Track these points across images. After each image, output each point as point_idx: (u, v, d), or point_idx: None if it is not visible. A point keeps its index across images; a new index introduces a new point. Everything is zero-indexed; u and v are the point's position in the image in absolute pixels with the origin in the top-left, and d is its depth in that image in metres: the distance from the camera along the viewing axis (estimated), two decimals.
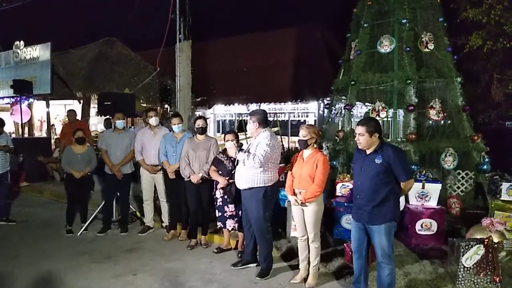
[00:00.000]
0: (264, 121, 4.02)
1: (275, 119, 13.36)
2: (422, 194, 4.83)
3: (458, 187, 6.07)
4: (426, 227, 4.71)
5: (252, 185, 3.93)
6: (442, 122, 6.38)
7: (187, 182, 4.87)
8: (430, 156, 6.10)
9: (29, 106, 12.26)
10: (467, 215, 5.46)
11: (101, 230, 5.52)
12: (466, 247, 3.68)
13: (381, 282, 3.32)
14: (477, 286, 3.67)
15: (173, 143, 5.14)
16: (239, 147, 4.01)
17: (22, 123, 10.53)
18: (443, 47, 6.48)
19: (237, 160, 4.07)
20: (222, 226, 4.78)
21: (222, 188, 4.61)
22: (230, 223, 4.69)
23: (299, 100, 14.18)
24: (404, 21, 6.31)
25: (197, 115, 7.79)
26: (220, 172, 4.63)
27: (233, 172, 4.37)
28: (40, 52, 11.71)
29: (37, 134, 13.52)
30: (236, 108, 16.01)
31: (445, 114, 6.22)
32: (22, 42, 12.28)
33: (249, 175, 3.92)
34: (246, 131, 4.13)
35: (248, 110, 14.15)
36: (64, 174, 5.93)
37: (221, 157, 4.65)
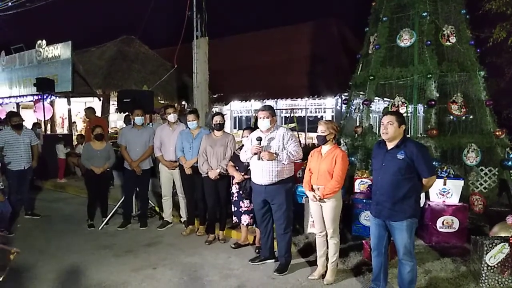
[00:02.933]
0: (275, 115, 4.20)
1: (292, 115, 13.31)
2: (444, 191, 4.72)
3: (481, 184, 5.91)
4: (447, 224, 4.61)
5: (282, 177, 3.97)
6: (464, 117, 6.21)
7: (205, 178, 4.91)
8: (452, 152, 5.95)
9: (51, 103, 12.58)
10: (491, 213, 5.33)
11: (121, 225, 5.63)
12: (490, 246, 3.58)
13: (402, 279, 3.27)
14: (501, 285, 3.57)
15: (190, 139, 5.18)
16: (259, 140, 3.99)
17: (44, 120, 10.81)
18: (465, 40, 6.30)
19: (256, 157, 4.02)
20: (238, 221, 4.83)
21: (238, 183, 4.63)
22: (245, 218, 4.72)
23: (316, 96, 14.06)
24: (424, 14, 6.15)
25: (214, 112, 7.83)
26: (237, 168, 4.65)
27: (249, 168, 4.37)
28: (61, 50, 11.97)
29: (59, 130, 13.88)
30: (253, 104, 16.02)
31: (467, 109, 6.06)
32: (44, 41, 12.58)
33: (279, 169, 3.95)
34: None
35: None
36: (85, 170, 6.06)
37: (239, 152, 4.67)
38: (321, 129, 3.76)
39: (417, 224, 3.26)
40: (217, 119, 4.94)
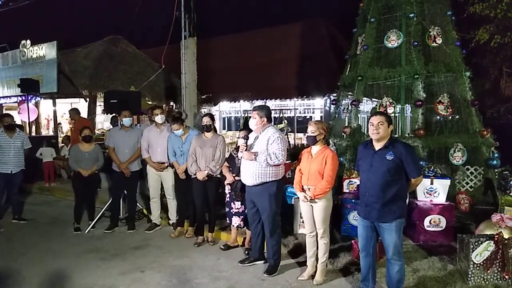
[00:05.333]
0: (270, 117, 4.09)
1: (281, 115, 13.32)
2: (431, 190, 4.77)
3: (467, 183, 6.00)
4: (434, 223, 4.67)
5: (264, 180, 3.92)
6: (451, 117, 6.30)
7: (193, 179, 4.87)
8: (439, 151, 6.03)
9: (36, 104, 12.35)
10: (477, 211, 5.41)
11: (108, 228, 5.54)
12: (476, 244, 3.63)
13: (391, 278, 3.29)
14: (487, 282, 3.62)
15: (179, 144, 5.14)
16: (246, 140, 4.00)
17: (29, 122, 10.60)
18: (451, 41, 6.39)
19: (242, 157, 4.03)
20: (229, 222, 4.80)
21: (230, 185, 4.61)
22: (235, 220, 4.70)
23: (305, 96, 14.10)
24: (411, 15, 6.23)
25: (203, 113, 7.78)
26: (230, 169, 4.63)
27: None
28: (46, 51, 11.77)
29: (44, 132, 13.63)
30: (242, 105, 15.98)
31: (453, 109, 6.15)
32: (28, 41, 12.34)
33: (261, 171, 3.91)
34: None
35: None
36: (72, 172, 5.95)
37: (234, 153, 4.65)
38: (311, 129, 3.76)
39: (404, 223, 3.29)
40: (204, 121, 4.90)
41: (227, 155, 4.97)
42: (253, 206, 4.12)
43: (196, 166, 4.83)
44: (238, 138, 4.69)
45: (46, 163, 8.66)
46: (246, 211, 4.44)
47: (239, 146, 4.50)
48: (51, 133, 13.23)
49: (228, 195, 4.73)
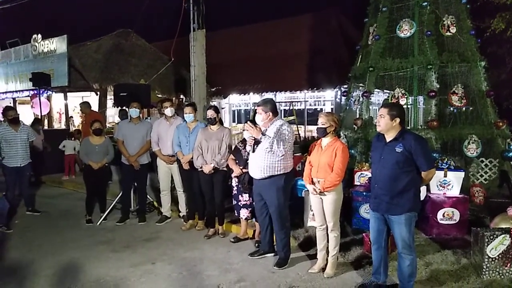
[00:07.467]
0: (275, 110, 4.04)
1: (291, 107, 13.24)
2: (444, 183, 4.68)
3: (482, 175, 5.88)
4: (448, 216, 4.59)
5: (272, 173, 3.88)
6: (465, 108, 6.15)
7: (201, 172, 4.87)
8: (453, 143, 5.91)
9: (48, 98, 12.49)
10: (491, 204, 5.30)
11: (119, 220, 5.60)
12: (491, 237, 3.55)
13: (402, 272, 3.24)
14: (502, 277, 3.55)
15: (186, 134, 5.12)
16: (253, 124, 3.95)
17: (41, 115, 10.73)
18: (466, 30, 6.21)
19: (252, 150, 3.98)
20: (237, 214, 4.80)
21: (237, 177, 4.59)
22: (243, 212, 4.70)
23: (315, 88, 13.97)
24: (424, 3, 6.06)
25: (210, 105, 7.76)
26: (236, 161, 4.60)
27: (248, 161, 4.33)
28: (57, 45, 11.86)
29: (56, 126, 13.80)
30: (252, 97, 15.93)
31: (468, 100, 6.00)
32: (39, 36, 12.46)
33: (269, 163, 3.86)
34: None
35: None
36: (83, 165, 6.01)
37: (240, 146, 4.62)
38: (322, 121, 3.70)
39: (416, 218, 3.22)
40: (209, 114, 4.86)
41: (232, 148, 4.94)
42: (260, 199, 4.09)
43: (202, 160, 4.81)
44: (243, 130, 4.65)
45: (67, 156, 8.72)
46: (253, 203, 4.42)
47: (244, 139, 4.45)
48: (63, 126, 13.39)
49: (235, 188, 4.71)
